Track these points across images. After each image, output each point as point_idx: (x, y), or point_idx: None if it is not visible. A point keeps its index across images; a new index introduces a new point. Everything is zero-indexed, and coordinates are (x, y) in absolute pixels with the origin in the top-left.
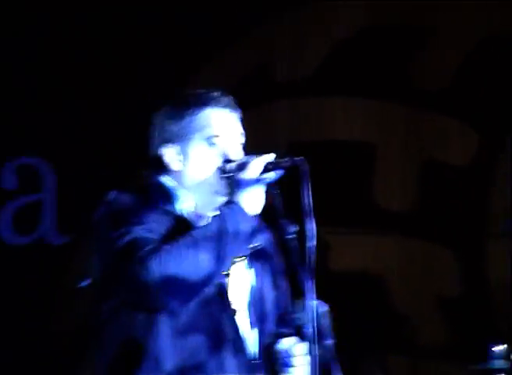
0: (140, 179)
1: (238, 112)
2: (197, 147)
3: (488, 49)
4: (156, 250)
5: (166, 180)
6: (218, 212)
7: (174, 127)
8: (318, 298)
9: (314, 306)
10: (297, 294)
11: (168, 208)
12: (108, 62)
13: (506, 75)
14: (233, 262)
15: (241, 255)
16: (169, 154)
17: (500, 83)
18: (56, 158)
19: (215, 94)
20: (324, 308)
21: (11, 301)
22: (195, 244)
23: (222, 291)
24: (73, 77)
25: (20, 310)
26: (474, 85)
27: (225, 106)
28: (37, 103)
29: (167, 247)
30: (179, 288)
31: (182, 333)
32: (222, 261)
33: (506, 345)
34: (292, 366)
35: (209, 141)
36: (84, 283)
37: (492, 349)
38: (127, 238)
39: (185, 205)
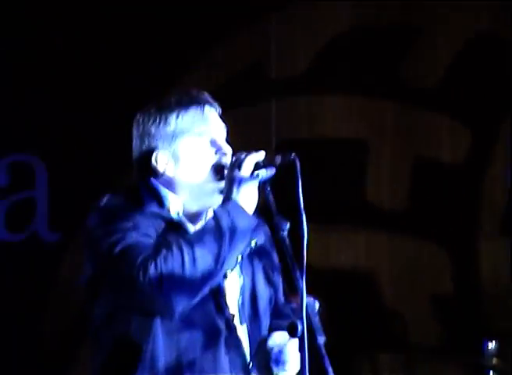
0: (131, 181)
1: (218, 107)
2: (187, 148)
3: (476, 47)
4: (154, 255)
5: (156, 183)
6: (213, 212)
7: (161, 132)
8: (310, 295)
9: (305, 303)
10: (289, 291)
11: (160, 211)
12: (99, 63)
13: (494, 71)
14: (237, 261)
15: (242, 253)
16: (161, 160)
17: (490, 79)
18: (48, 156)
19: (195, 93)
20: (315, 305)
21: (3, 298)
22: (193, 246)
23: (216, 291)
24: (65, 76)
25: (12, 307)
26: (464, 82)
27: (207, 104)
28: (30, 100)
29: (164, 251)
30: (180, 291)
31: (176, 332)
32: (221, 260)
33: (498, 342)
34: (284, 362)
35: (198, 138)
36: (80, 281)
37: (485, 347)
38: (123, 244)
39: (176, 207)
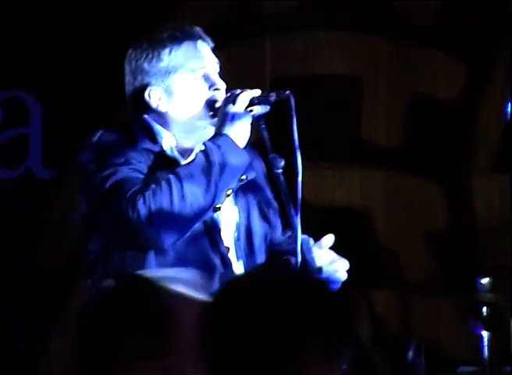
0: (126, 118)
1: (210, 42)
2: (180, 83)
3: None
4: (143, 189)
5: (150, 119)
6: (204, 147)
7: (154, 69)
8: (304, 232)
9: (300, 240)
10: (284, 228)
11: (153, 147)
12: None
13: (489, 6)
14: (227, 195)
15: (231, 187)
16: (154, 96)
17: (485, 13)
18: (42, 92)
19: (187, 28)
20: (309, 242)
21: None
22: (182, 180)
23: (211, 226)
24: (56, 14)
25: (6, 244)
26: (458, 17)
27: (199, 38)
28: (23, 36)
29: (153, 185)
30: (169, 225)
31: (169, 268)
32: (210, 195)
33: (491, 278)
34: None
35: (192, 74)
36: (75, 217)
37: (479, 282)
38: (114, 179)
39: (169, 142)
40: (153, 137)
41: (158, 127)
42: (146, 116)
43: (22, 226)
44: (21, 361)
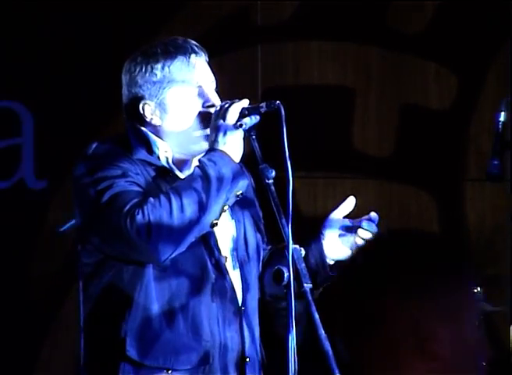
0: (117, 128)
1: (205, 56)
2: (174, 99)
3: None
4: (142, 203)
5: (146, 130)
6: (199, 162)
7: (147, 83)
8: (296, 242)
9: (292, 250)
10: (276, 238)
11: (148, 158)
12: (86, 9)
13: (481, 16)
14: (223, 211)
15: (228, 202)
16: (148, 110)
17: (476, 24)
18: (35, 102)
19: (181, 41)
20: (301, 252)
21: None
22: (179, 195)
23: (209, 236)
24: (50, 24)
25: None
26: (450, 27)
27: (193, 52)
28: (16, 47)
29: (152, 199)
30: (167, 240)
31: (167, 277)
32: (209, 209)
33: (482, 288)
34: None
35: (185, 89)
36: (64, 228)
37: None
38: (111, 192)
39: (165, 153)
40: (149, 148)
41: (154, 138)
42: (142, 127)
43: (14, 236)
44: (14, 368)
